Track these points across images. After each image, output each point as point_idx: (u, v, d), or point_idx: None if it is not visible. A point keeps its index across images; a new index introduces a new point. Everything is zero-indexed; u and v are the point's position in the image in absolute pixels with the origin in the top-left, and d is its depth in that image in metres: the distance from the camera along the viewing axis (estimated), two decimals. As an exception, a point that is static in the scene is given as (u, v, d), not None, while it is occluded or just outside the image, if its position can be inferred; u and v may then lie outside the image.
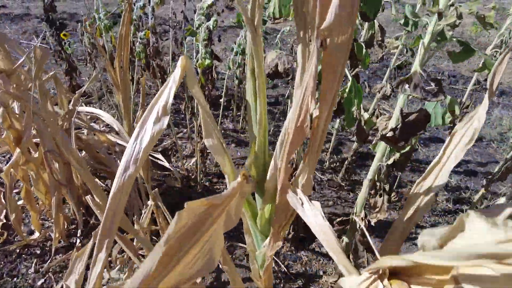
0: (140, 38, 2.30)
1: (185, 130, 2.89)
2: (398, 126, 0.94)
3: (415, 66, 0.84)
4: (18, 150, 1.54)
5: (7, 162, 2.78)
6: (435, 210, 2.21)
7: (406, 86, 0.91)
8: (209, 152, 2.51)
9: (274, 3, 1.23)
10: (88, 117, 2.40)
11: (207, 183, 2.29)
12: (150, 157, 2.37)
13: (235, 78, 2.55)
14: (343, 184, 2.30)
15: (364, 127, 1.26)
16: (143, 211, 1.49)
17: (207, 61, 1.69)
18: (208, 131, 0.66)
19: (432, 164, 0.64)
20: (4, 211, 2.18)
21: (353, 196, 2.23)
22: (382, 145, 1.07)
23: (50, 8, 3.13)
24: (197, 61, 1.78)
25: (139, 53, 2.34)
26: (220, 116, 3.09)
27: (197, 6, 1.83)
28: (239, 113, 3.24)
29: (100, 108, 3.38)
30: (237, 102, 3.02)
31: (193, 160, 2.31)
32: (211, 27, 1.63)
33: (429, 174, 0.64)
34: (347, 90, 1.24)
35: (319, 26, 0.39)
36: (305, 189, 0.60)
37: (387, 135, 0.98)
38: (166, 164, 2.23)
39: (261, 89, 0.63)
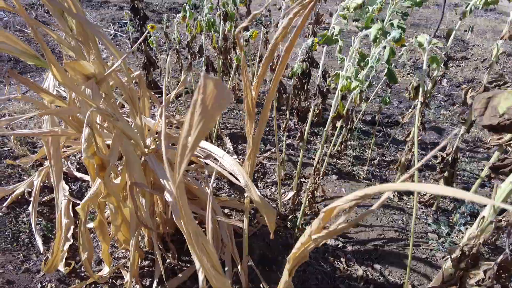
0: (245, 41, 1.89)
1: (273, 149, 2.45)
2: None
3: None
4: (98, 180, 1.18)
5: (78, 164, 2.55)
6: None
7: None
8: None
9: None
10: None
11: (306, 226, 1.82)
12: (233, 178, 1.96)
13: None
14: None
15: None
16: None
17: (355, 84, 1.21)
18: None
19: None
20: (72, 227, 1.90)
21: None
22: None
23: (138, -3, 2.86)
24: (334, 79, 1.31)
25: (239, 56, 1.93)
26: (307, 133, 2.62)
27: (340, 5, 1.36)
28: (333, 132, 2.73)
29: (176, 109, 3.06)
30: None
31: (290, 194, 1.86)
32: (372, 36, 1.14)
33: None
34: None
35: None
36: None
37: None
38: (257, 194, 1.80)
39: None
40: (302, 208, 1.70)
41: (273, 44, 0.77)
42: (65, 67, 1.03)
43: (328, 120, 1.37)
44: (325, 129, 1.38)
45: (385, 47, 1.53)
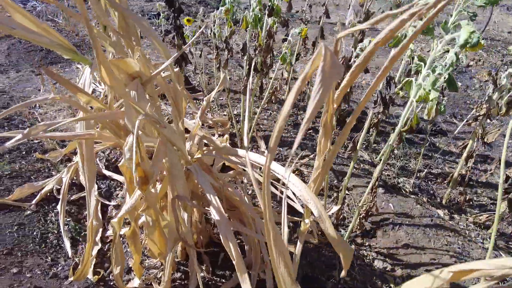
0: (291, 36, 1.73)
1: (311, 155, 2.30)
2: None
3: None
4: (137, 192, 1.06)
5: (107, 161, 2.47)
6: None
7: None
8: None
9: None
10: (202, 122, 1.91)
11: (352, 245, 1.67)
12: (277, 191, 1.82)
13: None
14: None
15: None
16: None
17: (434, 94, 1.04)
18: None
19: None
20: (100, 230, 1.81)
21: None
22: None
23: (173, -12, 2.73)
24: (405, 86, 1.14)
25: (284, 55, 1.78)
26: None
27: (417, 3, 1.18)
28: (378, 139, 2.56)
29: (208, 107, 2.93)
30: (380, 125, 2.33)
31: (335, 208, 1.70)
32: (461, 40, 0.97)
33: None
34: None
35: None
36: None
37: None
38: (298, 207, 1.66)
39: None
40: (350, 226, 1.54)
41: (371, 49, 0.62)
42: (110, 65, 0.91)
43: (394, 134, 1.21)
44: (390, 143, 1.21)
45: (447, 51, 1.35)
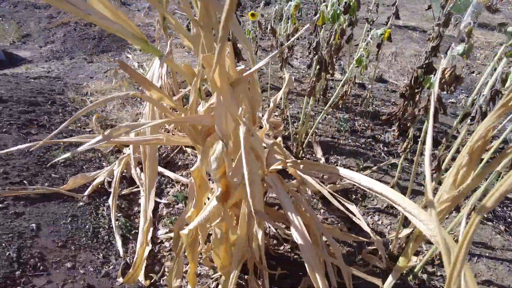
0: (371, 37, 1.58)
1: (374, 167, 2.12)
2: None
3: None
4: (213, 203, 0.95)
5: (160, 156, 2.42)
6: None
7: None
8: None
9: None
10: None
11: (424, 274, 1.49)
12: (340, 206, 1.68)
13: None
14: None
15: None
16: None
17: None
18: None
19: None
20: (151, 229, 1.75)
21: None
22: None
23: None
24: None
25: (361, 57, 1.62)
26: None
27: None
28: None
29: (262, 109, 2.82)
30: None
31: (406, 231, 1.53)
32: None
33: None
34: None
35: None
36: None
37: None
38: (364, 226, 1.50)
39: None
40: (428, 255, 1.37)
41: None
42: (202, 61, 0.81)
43: (506, 158, 1.03)
44: (498, 169, 1.04)
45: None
